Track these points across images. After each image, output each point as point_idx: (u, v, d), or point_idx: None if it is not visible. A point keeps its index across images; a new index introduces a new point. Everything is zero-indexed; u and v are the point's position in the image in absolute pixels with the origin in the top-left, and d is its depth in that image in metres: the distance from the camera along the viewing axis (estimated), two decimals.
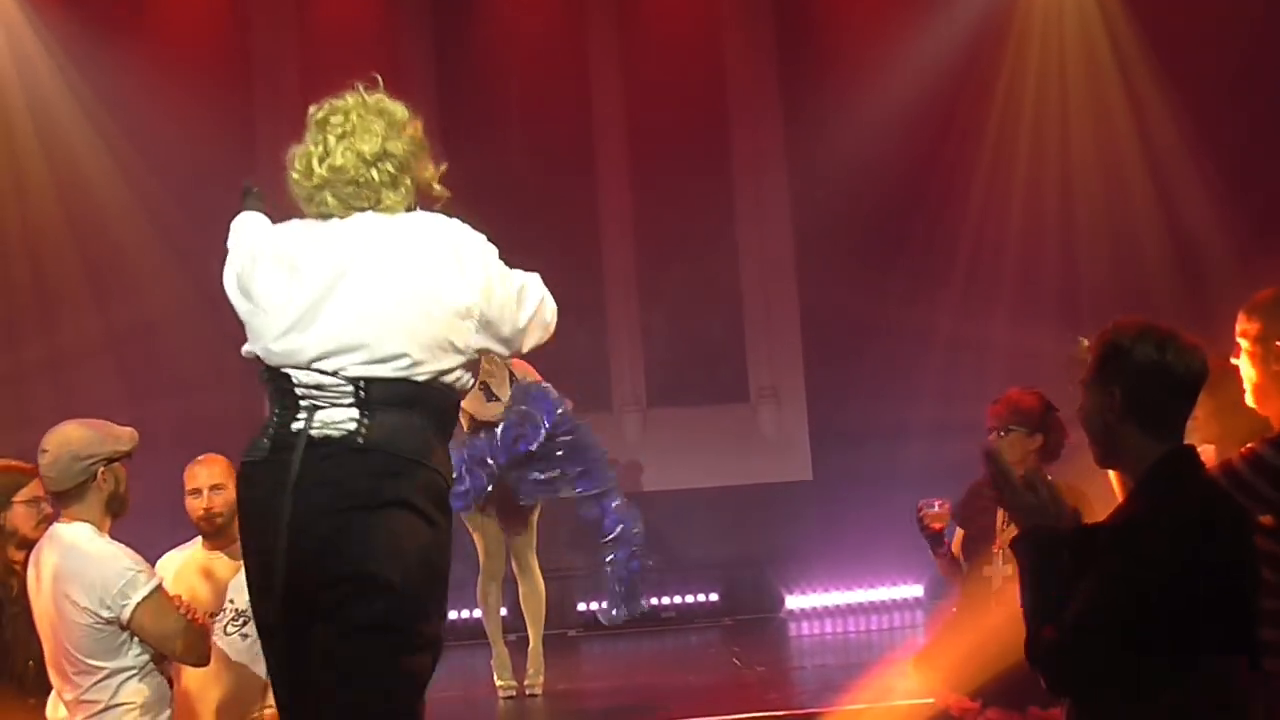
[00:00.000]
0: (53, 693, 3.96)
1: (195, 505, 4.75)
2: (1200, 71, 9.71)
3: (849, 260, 10.04)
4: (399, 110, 3.44)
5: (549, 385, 7.00)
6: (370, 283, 3.14)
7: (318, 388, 3.14)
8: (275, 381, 3.23)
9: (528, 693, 7.19)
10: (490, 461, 6.70)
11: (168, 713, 3.98)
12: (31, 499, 4.43)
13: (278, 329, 3.21)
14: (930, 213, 10.15)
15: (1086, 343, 3.07)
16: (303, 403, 3.16)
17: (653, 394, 10.68)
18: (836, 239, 10.09)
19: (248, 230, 3.63)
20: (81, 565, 3.79)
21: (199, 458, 4.86)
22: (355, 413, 3.09)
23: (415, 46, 10.66)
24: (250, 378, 9.92)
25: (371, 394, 3.10)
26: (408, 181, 3.42)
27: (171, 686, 4.03)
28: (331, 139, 3.37)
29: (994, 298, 10.01)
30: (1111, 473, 3.03)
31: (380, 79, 3.48)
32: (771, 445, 10.48)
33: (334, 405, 3.12)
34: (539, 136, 10.60)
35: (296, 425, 3.14)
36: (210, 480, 4.77)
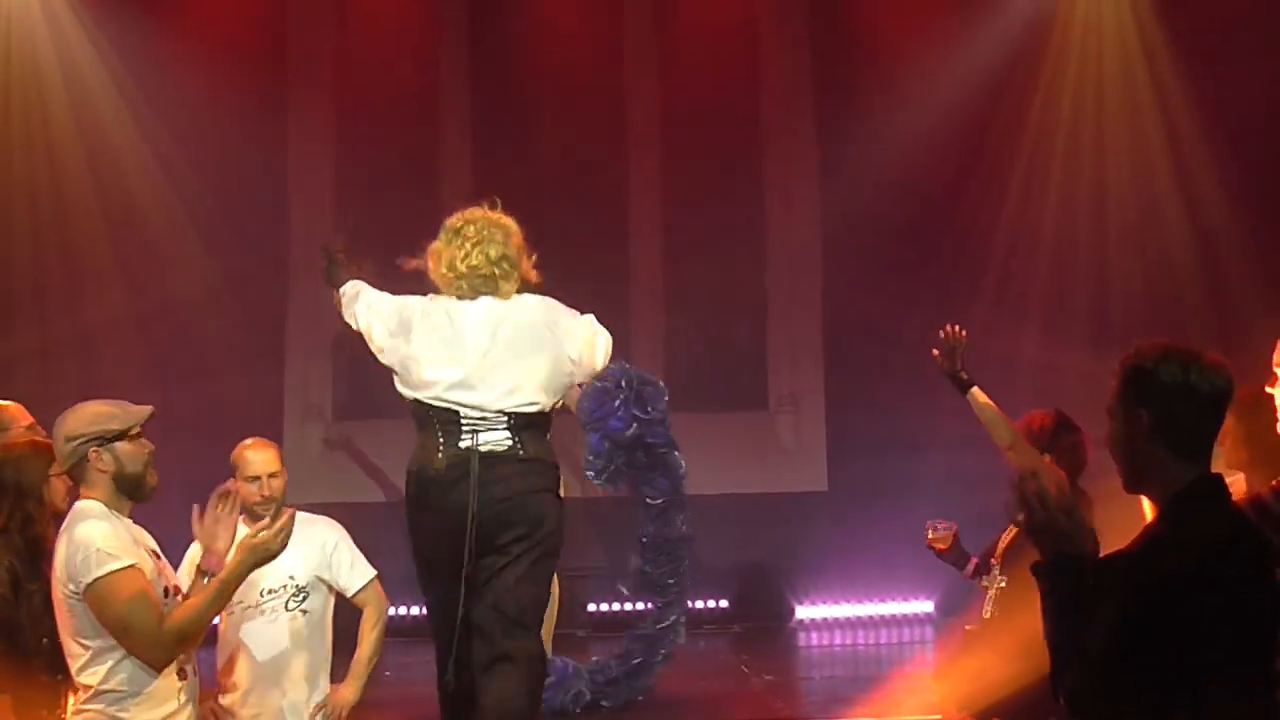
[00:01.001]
0: None
1: (253, 491, 4.77)
2: (1236, 92, 9.65)
3: (875, 272, 10.01)
4: (511, 224, 4.95)
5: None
6: (511, 351, 4.72)
7: (481, 419, 4.70)
8: (440, 414, 4.72)
9: None
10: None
11: (174, 706, 3.80)
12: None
13: (449, 381, 4.70)
14: (961, 227, 10.12)
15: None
16: (465, 428, 4.69)
17: (672, 397, 10.51)
18: (864, 250, 10.07)
19: (386, 300, 5.10)
20: (65, 539, 3.76)
21: (250, 442, 4.85)
22: (508, 434, 4.71)
23: (451, 41, 10.69)
24: (269, 363, 10.01)
25: (516, 422, 4.71)
26: (516, 274, 4.89)
27: (185, 678, 3.84)
28: (469, 245, 4.88)
29: (1023, 314, 9.97)
30: (1145, 501, 3.02)
31: (496, 202, 5.03)
32: (789, 454, 10.46)
33: (492, 430, 4.70)
34: (572, 136, 10.60)
35: (464, 443, 4.69)
36: (268, 468, 4.84)
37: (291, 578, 4.77)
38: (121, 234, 9.88)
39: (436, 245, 4.96)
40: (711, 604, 9.99)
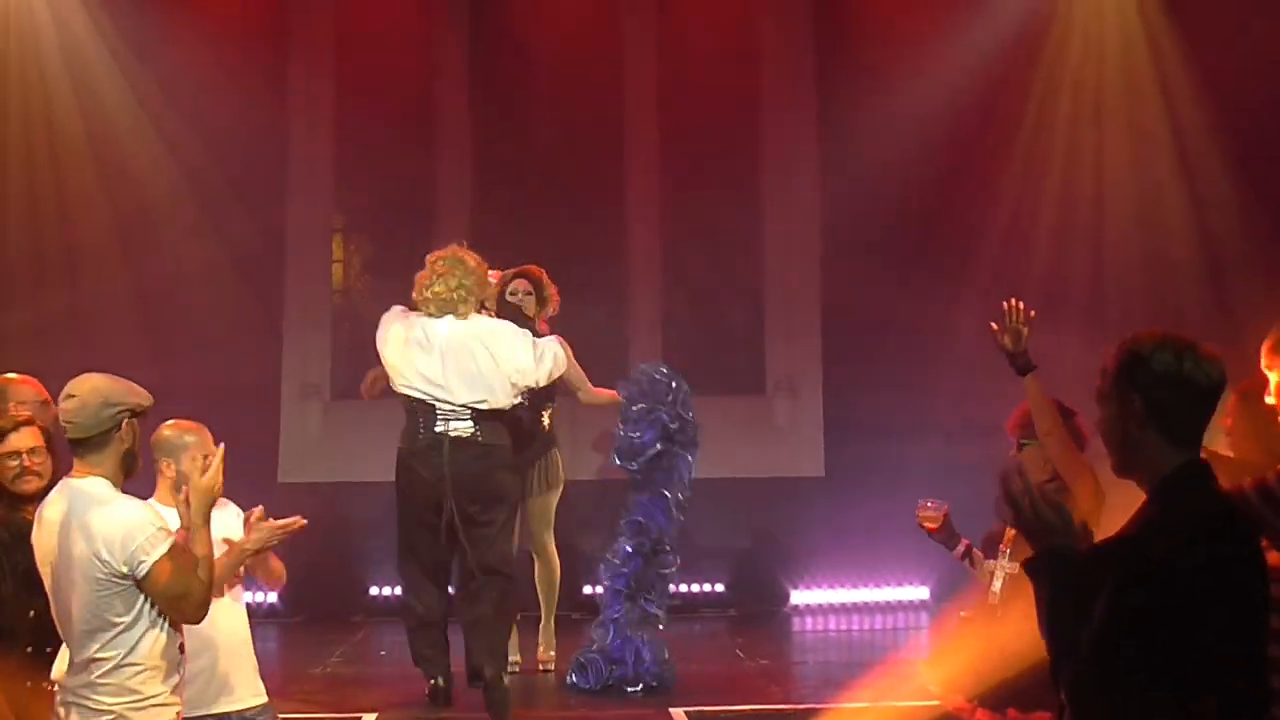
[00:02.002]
0: (62, 648, 3.91)
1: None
2: (1239, 86, 9.62)
3: (874, 257, 9.98)
4: (470, 259, 6.29)
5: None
6: (460, 360, 6.15)
7: (452, 411, 6.17)
8: (420, 405, 6.20)
9: (541, 668, 7.23)
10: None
11: (176, 678, 3.86)
12: (10, 451, 4.43)
13: (428, 380, 6.16)
14: (959, 214, 10.08)
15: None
16: (438, 416, 6.18)
17: None
18: (863, 235, 10.03)
19: (390, 328, 6.32)
20: (102, 519, 3.72)
21: (183, 423, 4.64)
22: (471, 424, 6.17)
23: (451, 23, 10.64)
24: (267, 341, 10.05)
25: (476, 414, 6.16)
26: (473, 299, 6.27)
27: (183, 651, 3.92)
28: (435, 276, 6.23)
29: (1020, 299, 9.91)
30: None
31: (463, 242, 6.48)
32: (785, 439, 10.45)
33: (459, 420, 6.17)
34: (570, 119, 10.57)
35: (439, 429, 6.17)
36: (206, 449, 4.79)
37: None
38: (120, 209, 9.85)
39: (419, 274, 6.30)
40: (707, 587, 9.98)
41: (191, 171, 9.90)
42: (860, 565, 9.84)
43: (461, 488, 6.08)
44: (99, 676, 3.75)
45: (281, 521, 4.43)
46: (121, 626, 3.74)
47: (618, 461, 7.03)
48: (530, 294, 7.18)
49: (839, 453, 10.16)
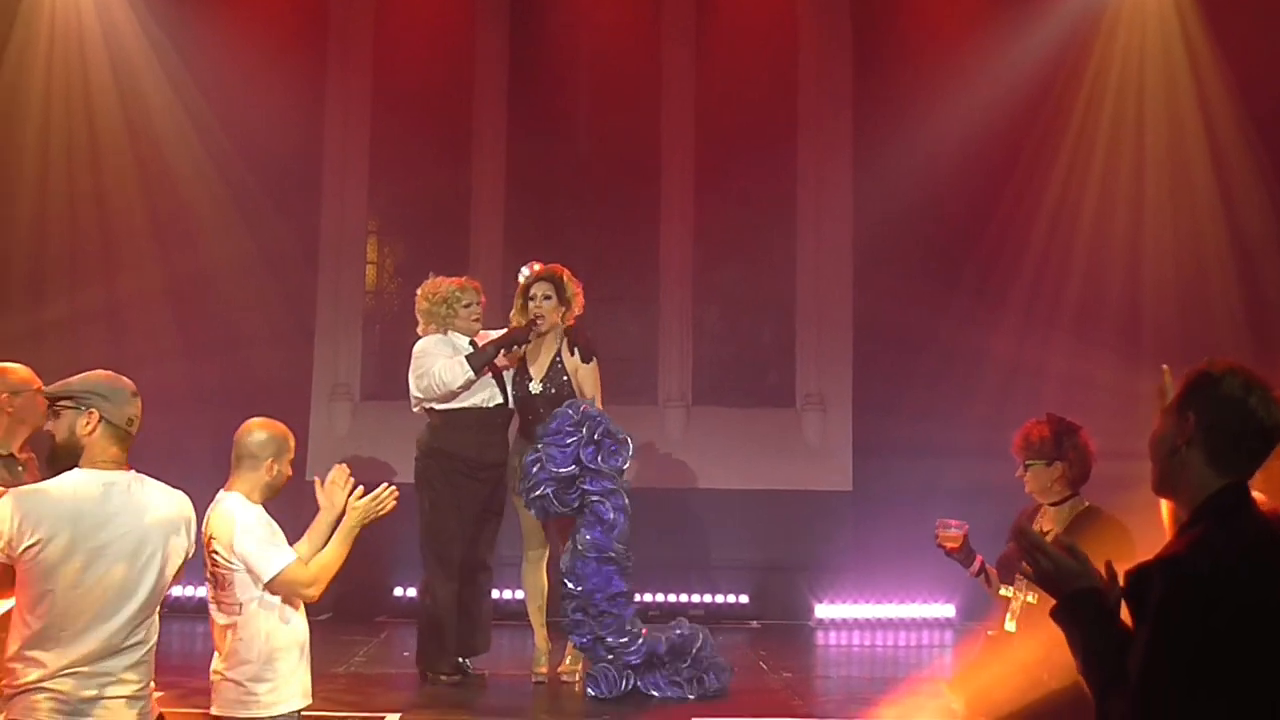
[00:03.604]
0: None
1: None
2: None
3: (907, 274, 9.96)
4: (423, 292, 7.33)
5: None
6: None
7: None
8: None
9: (563, 679, 7.20)
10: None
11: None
12: None
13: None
14: (995, 234, 10.05)
15: (1169, 374, 3.04)
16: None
17: (699, 391, 10.66)
18: (896, 252, 10.02)
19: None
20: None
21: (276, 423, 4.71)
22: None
23: (489, 24, 10.69)
24: (298, 341, 10.11)
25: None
26: (421, 321, 7.28)
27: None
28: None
29: (1054, 324, 9.89)
30: (1164, 505, 2.99)
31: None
32: (813, 453, 10.42)
33: None
34: (607, 129, 10.60)
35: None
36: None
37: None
38: (157, 206, 9.93)
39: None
40: (731, 599, 9.98)
41: (228, 171, 9.97)
42: (886, 581, 9.79)
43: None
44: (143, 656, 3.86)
45: (377, 494, 4.47)
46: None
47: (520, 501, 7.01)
48: (550, 298, 7.16)
49: (867, 468, 10.13)
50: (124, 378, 4.00)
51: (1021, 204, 10.07)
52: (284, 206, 10.19)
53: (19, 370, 5.31)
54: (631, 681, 6.79)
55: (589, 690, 6.85)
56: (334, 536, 4.41)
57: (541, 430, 6.86)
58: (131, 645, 3.81)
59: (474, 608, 7.20)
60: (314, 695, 4.55)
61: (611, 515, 6.79)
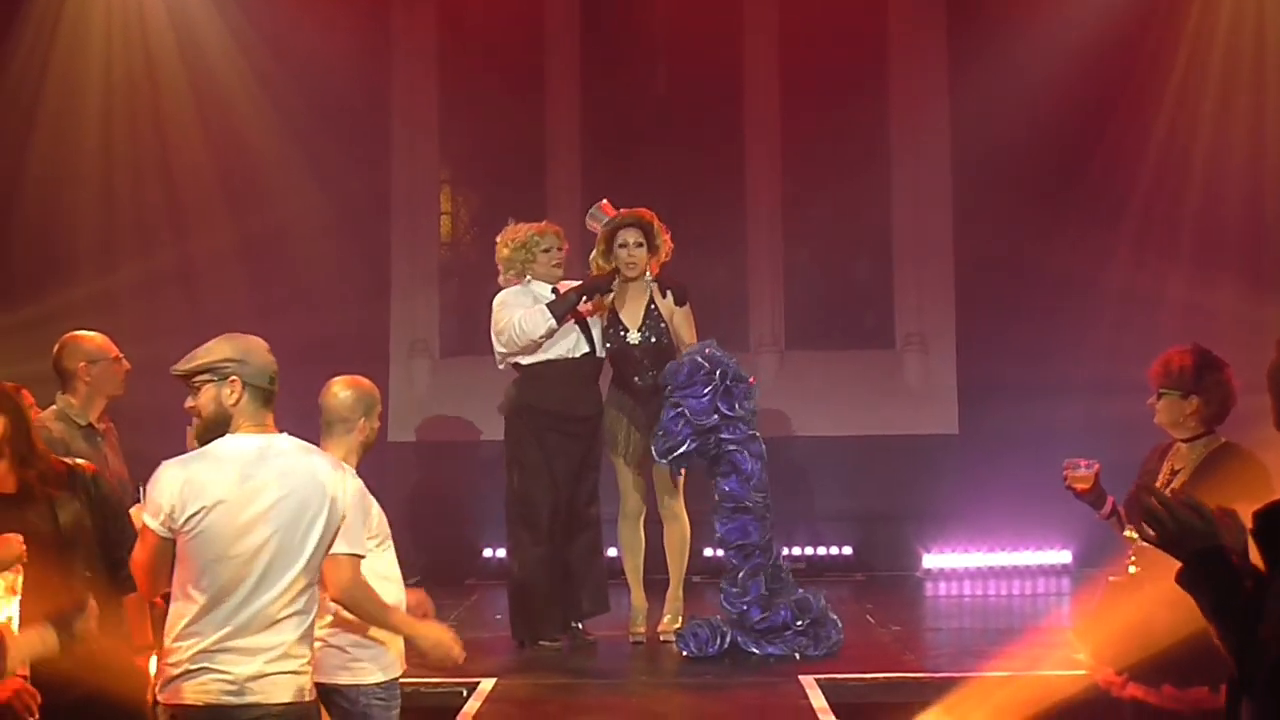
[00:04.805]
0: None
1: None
2: None
3: (1012, 202, 9.77)
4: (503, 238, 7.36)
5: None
6: None
7: None
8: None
9: (662, 639, 7.21)
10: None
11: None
12: None
13: None
14: (1105, 154, 9.81)
15: None
16: None
17: (792, 335, 10.60)
18: (999, 178, 9.81)
19: None
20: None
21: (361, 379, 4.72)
22: None
23: None
24: (374, 297, 10.23)
25: None
26: (502, 266, 7.33)
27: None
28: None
29: (1171, 249, 9.67)
30: None
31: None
32: (916, 395, 10.33)
33: None
34: (685, 62, 10.50)
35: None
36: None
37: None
38: (225, 166, 10.01)
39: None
40: (834, 550, 9.96)
41: (296, 124, 10.01)
42: (997, 527, 9.71)
43: None
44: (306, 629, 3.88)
45: (449, 652, 4.43)
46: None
47: (657, 459, 6.93)
48: (641, 244, 7.14)
49: (973, 410, 10.02)
50: (250, 336, 4.00)
51: (1134, 123, 9.82)
52: (353, 159, 10.24)
53: (95, 338, 5.42)
54: (727, 639, 6.80)
55: (680, 649, 6.87)
56: (398, 614, 4.35)
57: (668, 380, 6.80)
58: (292, 616, 3.79)
59: (580, 570, 7.23)
60: (407, 661, 4.61)
61: (749, 465, 6.80)
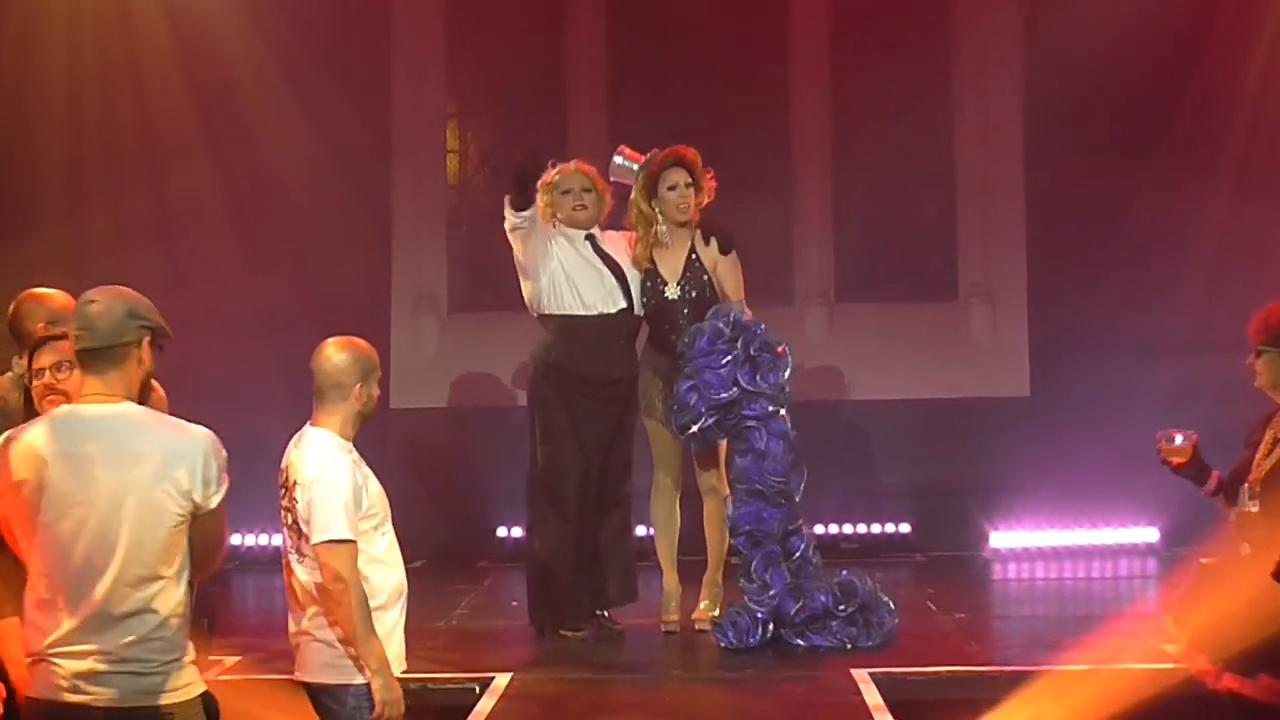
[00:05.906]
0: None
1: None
2: None
3: (1090, 140, 9.73)
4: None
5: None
6: None
7: None
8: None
9: (697, 628, 7.20)
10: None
11: None
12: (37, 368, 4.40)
13: None
14: (1196, 90, 9.75)
15: None
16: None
17: (842, 286, 10.59)
18: (1076, 114, 9.80)
19: None
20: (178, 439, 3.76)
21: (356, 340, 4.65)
22: None
23: None
24: (374, 247, 10.25)
25: None
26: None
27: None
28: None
29: (1272, 195, 9.63)
30: None
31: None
32: (983, 353, 10.34)
33: None
34: None
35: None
36: None
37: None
38: (203, 97, 9.99)
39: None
40: (890, 529, 9.98)
41: (283, 52, 9.96)
42: (1073, 503, 9.73)
43: None
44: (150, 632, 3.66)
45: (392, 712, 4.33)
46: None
47: (675, 434, 6.95)
48: (690, 185, 7.10)
49: (1048, 369, 10.03)
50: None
51: (1228, 51, 9.75)
52: (349, 90, 10.20)
53: (56, 296, 5.40)
54: (769, 630, 6.81)
55: (717, 639, 6.88)
56: (376, 643, 4.28)
57: (686, 347, 6.80)
58: (129, 616, 3.64)
59: (607, 552, 7.23)
60: (413, 655, 4.60)
61: (764, 443, 6.78)
